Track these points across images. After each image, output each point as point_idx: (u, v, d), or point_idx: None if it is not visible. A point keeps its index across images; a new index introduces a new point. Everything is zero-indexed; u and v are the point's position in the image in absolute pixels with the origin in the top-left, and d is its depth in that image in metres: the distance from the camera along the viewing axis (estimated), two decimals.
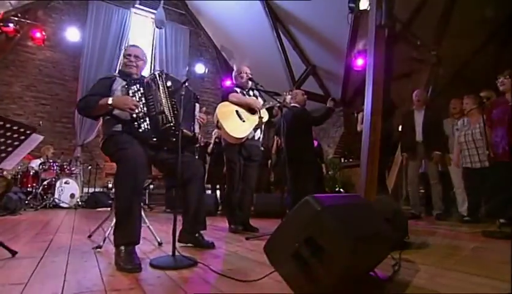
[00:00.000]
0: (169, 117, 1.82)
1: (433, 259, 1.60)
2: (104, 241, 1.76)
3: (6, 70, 6.42)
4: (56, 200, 4.86)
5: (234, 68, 3.14)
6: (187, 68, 8.72)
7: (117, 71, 2.09)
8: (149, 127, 1.81)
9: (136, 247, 1.51)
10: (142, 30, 8.38)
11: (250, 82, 3.00)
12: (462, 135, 3.29)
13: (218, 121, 2.65)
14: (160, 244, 1.97)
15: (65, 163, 5.38)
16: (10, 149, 1.66)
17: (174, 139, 1.84)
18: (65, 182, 5.06)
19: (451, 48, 5.47)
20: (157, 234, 2.01)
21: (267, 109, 2.90)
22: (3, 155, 1.66)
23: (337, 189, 7.18)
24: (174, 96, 1.84)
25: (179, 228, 1.93)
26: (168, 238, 1.99)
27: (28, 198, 4.63)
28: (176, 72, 8.34)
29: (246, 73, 2.98)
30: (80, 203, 5.25)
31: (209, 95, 9.00)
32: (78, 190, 5.26)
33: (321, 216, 0.99)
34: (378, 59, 4.00)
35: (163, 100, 1.86)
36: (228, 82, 9.13)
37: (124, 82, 1.88)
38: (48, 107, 6.71)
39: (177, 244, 1.89)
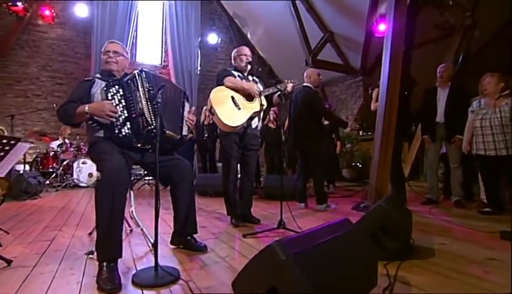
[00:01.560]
0: (150, 120, 1.73)
1: (432, 280, 1.47)
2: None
3: (22, 51, 6.51)
4: (75, 180, 5.10)
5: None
6: (199, 39, 8.41)
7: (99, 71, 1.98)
8: (130, 131, 1.73)
9: (131, 247, 1.50)
10: (151, 2, 8.03)
11: (249, 67, 2.78)
12: (478, 120, 2.93)
13: (211, 107, 2.50)
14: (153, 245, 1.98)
15: (81, 144, 5.56)
16: None
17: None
18: (83, 163, 5.26)
19: (488, 8, 4.76)
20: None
21: (266, 96, 2.70)
22: None
23: (353, 164, 6.97)
24: (155, 96, 1.72)
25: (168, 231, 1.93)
26: (170, 229, 2.01)
27: (50, 179, 4.90)
28: (188, 44, 8.08)
29: (246, 55, 2.74)
30: None
31: (224, 66, 8.73)
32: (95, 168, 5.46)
33: (285, 267, 0.88)
34: (398, 27, 3.56)
35: (143, 101, 1.76)
36: None
37: (104, 84, 1.78)
38: (64, 86, 6.83)
39: (169, 246, 1.91)
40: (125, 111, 1.73)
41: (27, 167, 5.03)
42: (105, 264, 1.42)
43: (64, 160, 5.23)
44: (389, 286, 1.38)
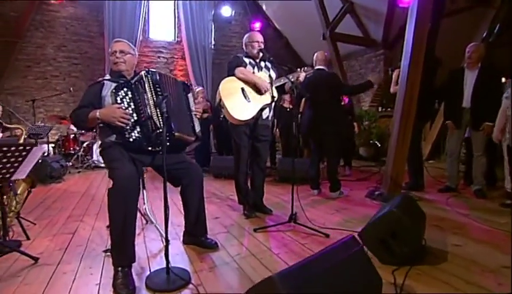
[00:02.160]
0: (158, 123, 1.72)
1: (440, 292, 1.45)
2: None
3: (37, 32, 6.54)
4: (95, 162, 5.32)
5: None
6: (212, 12, 8.11)
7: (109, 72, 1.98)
8: (140, 135, 1.73)
9: (145, 243, 1.61)
10: None
11: (261, 53, 2.67)
12: None
13: (220, 99, 2.45)
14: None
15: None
16: (16, 164, 1.76)
17: (168, 144, 1.76)
18: None
19: None
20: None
21: (277, 87, 2.60)
22: (12, 170, 1.78)
23: (371, 142, 6.78)
24: (160, 105, 1.70)
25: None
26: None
27: (72, 160, 5.14)
28: (202, 17, 7.81)
29: (258, 42, 2.63)
30: None
31: (238, 39, 8.46)
32: None
33: None
34: None
35: (151, 104, 1.75)
36: (257, 24, 8.41)
37: (113, 86, 1.77)
38: (80, 66, 6.90)
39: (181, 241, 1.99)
40: (134, 115, 1.73)
41: (51, 149, 5.27)
42: (119, 269, 1.51)
43: (84, 142, 5.42)
44: None
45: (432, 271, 1.66)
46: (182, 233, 2.10)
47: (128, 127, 1.70)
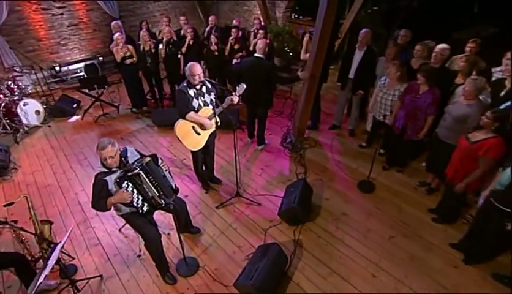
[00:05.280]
0: (159, 200, 2.63)
1: (314, 242, 3.24)
2: (140, 250, 3.09)
3: None
4: (28, 126, 5.24)
5: (187, 69, 3.18)
6: None
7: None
8: (148, 207, 2.66)
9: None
10: None
11: (202, 84, 3.28)
12: (380, 96, 3.94)
13: (179, 138, 3.29)
14: (169, 234, 3.35)
15: (9, 83, 5.16)
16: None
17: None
18: (24, 104, 5.16)
19: None
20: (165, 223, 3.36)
21: (221, 113, 3.39)
22: None
23: (287, 54, 7.52)
24: (157, 179, 2.59)
25: None
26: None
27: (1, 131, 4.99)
28: None
29: (199, 75, 3.17)
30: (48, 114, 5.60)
31: None
32: (39, 104, 5.45)
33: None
34: None
35: (151, 188, 2.58)
36: None
37: (114, 177, 2.48)
38: None
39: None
40: (140, 196, 2.58)
41: None
42: (166, 273, 2.87)
43: (0, 105, 5.00)
44: (294, 250, 3.13)
45: (312, 226, 3.44)
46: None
47: (138, 206, 2.59)
